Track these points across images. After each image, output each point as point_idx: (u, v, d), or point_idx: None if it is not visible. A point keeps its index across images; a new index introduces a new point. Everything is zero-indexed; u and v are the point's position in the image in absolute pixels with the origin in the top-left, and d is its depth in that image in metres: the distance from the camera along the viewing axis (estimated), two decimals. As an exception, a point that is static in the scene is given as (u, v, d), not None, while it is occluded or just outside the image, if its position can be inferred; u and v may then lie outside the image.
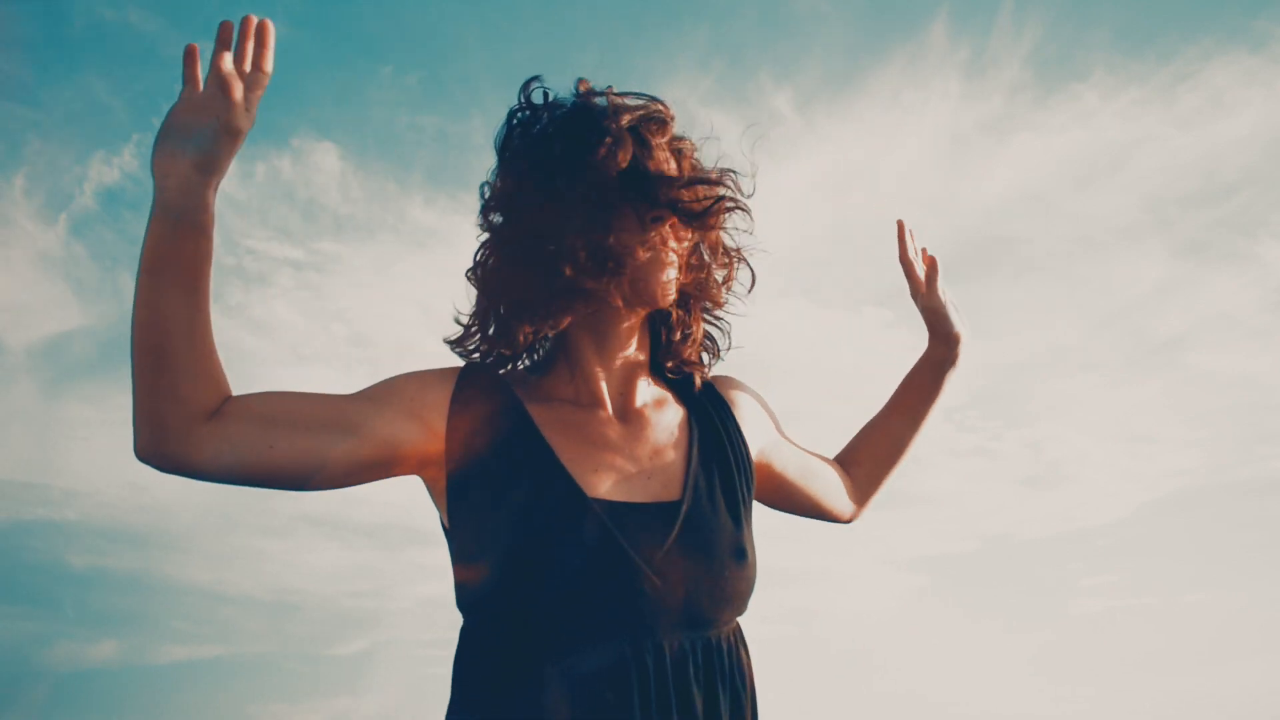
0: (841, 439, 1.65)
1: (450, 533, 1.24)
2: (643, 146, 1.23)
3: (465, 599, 1.20)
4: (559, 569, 1.11)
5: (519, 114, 1.29)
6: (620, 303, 1.24)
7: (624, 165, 1.20)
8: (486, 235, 1.30)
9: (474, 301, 1.30)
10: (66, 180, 5.25)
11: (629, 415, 1.32)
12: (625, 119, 1.23)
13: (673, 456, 1.29)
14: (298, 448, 1.13)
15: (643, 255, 1.22)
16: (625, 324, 1.31)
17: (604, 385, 1.31)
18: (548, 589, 1.10)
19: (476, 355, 1.30)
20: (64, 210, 5.27)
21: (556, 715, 1.10)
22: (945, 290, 1.66)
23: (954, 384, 1.65)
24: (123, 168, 5.21)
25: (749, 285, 1.37)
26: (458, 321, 1.31)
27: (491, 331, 1.28)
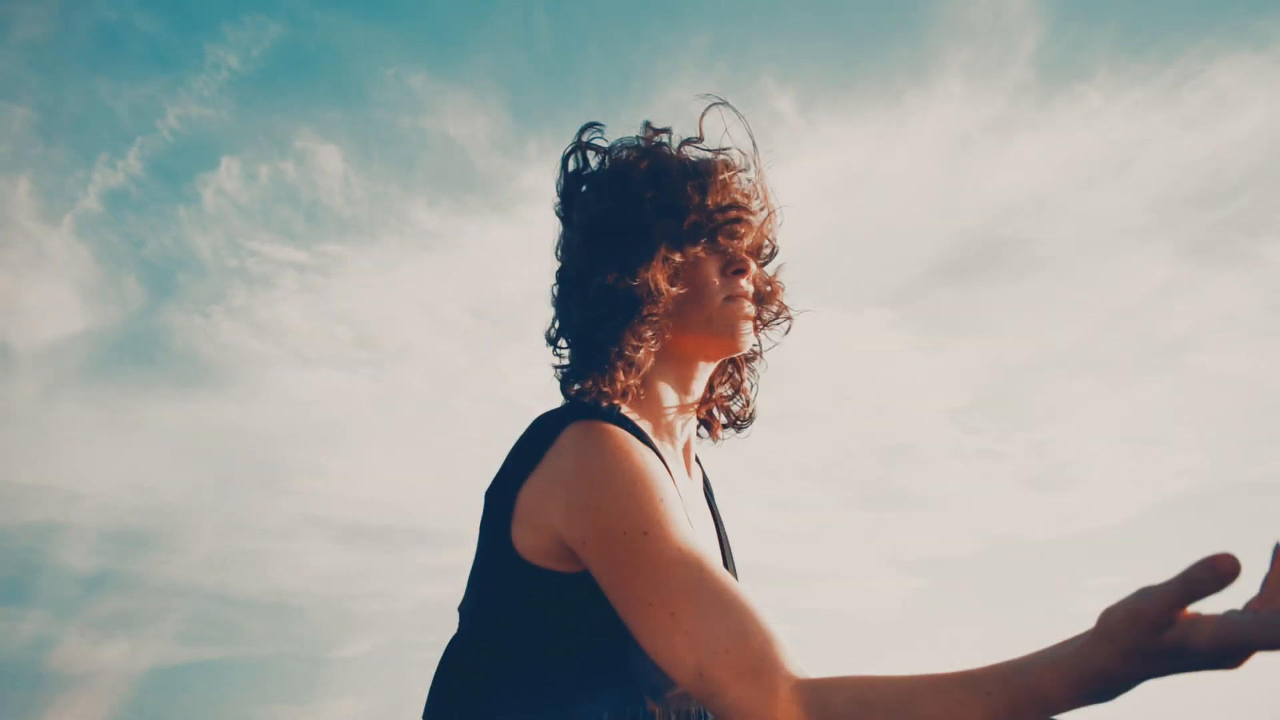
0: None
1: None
2: (721, 192, 1.26)
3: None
4: None
5: (581, 157, 1.32)
6: (699, 348, 1.27)
7: (704, 211, 1.24)
8: (563, 286, 1.29)
9: (569, 345, 1.28)
10: (70, 183, 5.27)
11: (688, 465, 1.35)
12: (703, 165, 1.27)
13: (705, 513, 1.36)
14: None
15: (721, 299, 1.26)
16: (699, 374, 1.32)
17: (679, 435, 1.32)
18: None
19: (587, 399, 1.20)
20: (68, 212, 5.29)
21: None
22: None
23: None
24: (127, 170, 5.22)
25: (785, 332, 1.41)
26: (558, 369, 1.28)
27: (593, 380, 1.21)
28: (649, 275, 1.19)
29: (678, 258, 1.22)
